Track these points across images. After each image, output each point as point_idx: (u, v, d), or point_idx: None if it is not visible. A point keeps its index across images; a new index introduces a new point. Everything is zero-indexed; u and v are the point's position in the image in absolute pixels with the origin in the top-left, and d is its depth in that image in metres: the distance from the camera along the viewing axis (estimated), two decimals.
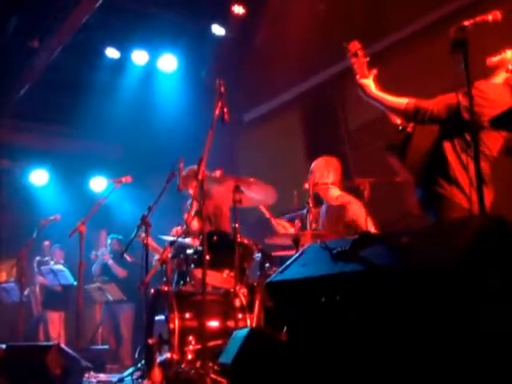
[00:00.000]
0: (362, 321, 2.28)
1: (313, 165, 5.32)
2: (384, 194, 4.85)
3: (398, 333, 2.15)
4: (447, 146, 3.41)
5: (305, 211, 4.85)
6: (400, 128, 3.54)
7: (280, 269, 2.67)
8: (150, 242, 5.84)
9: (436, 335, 2.07)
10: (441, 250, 2.13)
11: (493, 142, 3.38)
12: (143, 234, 6.29)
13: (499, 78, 3.51)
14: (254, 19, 8.21)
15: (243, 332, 3.20)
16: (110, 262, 8.32)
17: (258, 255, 5.03)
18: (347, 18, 7.08)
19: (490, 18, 3.13)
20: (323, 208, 5.30)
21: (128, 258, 7.14)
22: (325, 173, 5.18)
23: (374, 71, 3.53)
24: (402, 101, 3.48)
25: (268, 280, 2.68)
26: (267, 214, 5.44)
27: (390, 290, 2.17)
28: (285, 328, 2.84)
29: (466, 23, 3.08)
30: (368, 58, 3.55)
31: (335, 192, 5.19)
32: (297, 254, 2.70)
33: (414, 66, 6.40)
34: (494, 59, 3.51)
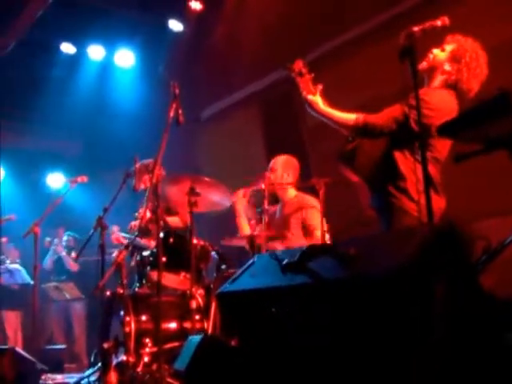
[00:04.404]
0: (312, 332, 2.30)
1: (272, 162, 5.23)
2: (339, 193, 4.87)
3: (345, 343, 2.17)
4: (398, 155, 3.33)
5: (259, 211, 4.84)
6: (350, 138, 3.46)
7: (230, 279, 2.68)
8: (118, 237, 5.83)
9: (383, 346, 2.11)
10: (386, 259, 2.15)
11: (443, 147, 3.35)
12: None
13: (437, 81, 3.43)
14: (211, 15, 8.16)
15: (197, 338, 3.21)
16: (63, 253, 8.29)
17: (214, 256, 5.03)
18: (305, 15, 7.09)
19: (438, 23, 3.07)
20: (278, 208, 5.29)
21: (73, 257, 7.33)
22: (285, 174, 5.12)
23: (320, 86, 3.42)
24: (350, 116, 3.37)
25: (218, 291, 2.70)
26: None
27: (337, 302, 2.20)
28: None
29: (415, 29, 3.01)
30: (313, 75, 3.43)
31: (292, 192, 5.19)
32: (246, 265, 2.71)
33: (365, 66, 6.45)
34: (425, 63, 3.42)
